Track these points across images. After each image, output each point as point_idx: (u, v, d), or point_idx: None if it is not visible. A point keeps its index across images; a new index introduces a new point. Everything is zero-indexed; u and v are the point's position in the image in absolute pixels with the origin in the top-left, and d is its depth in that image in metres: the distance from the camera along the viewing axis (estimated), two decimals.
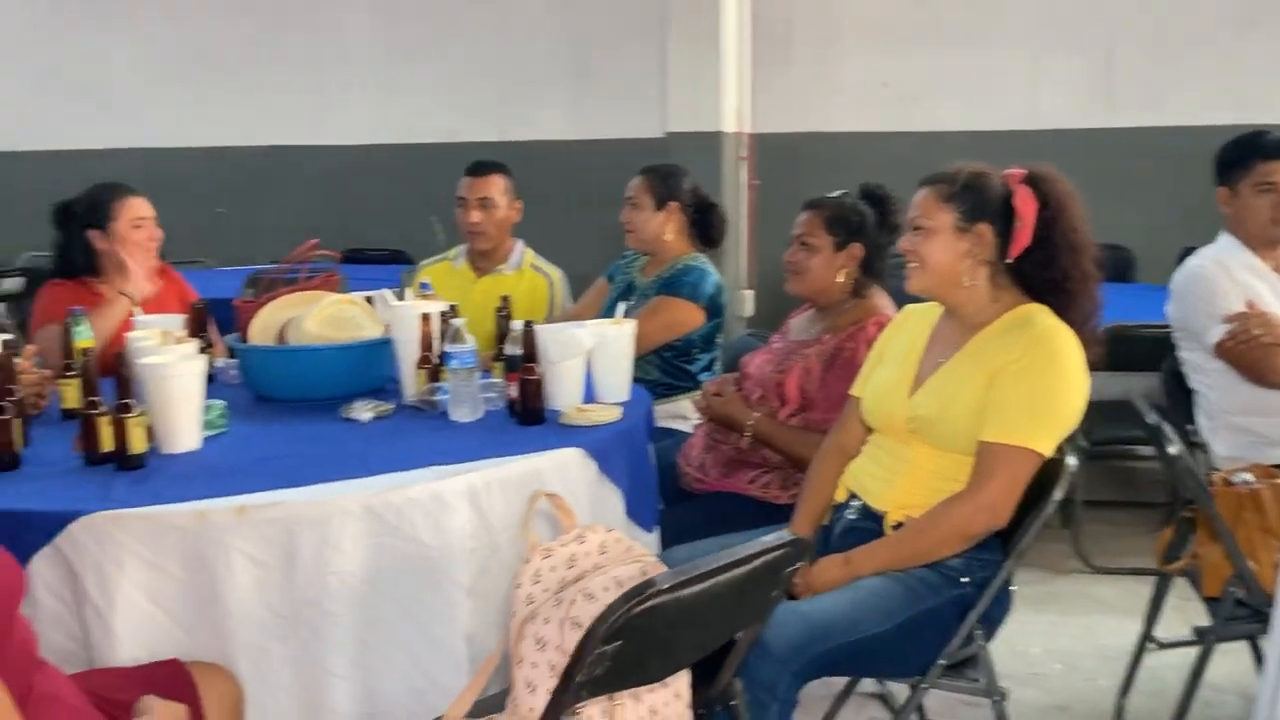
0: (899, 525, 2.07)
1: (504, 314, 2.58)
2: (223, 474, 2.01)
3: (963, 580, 2.03)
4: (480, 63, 6.58)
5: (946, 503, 2.01)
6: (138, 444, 2.03)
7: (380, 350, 2.57)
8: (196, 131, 7.12)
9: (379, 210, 6.74)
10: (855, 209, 2.58)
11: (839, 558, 2.05)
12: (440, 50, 6.67)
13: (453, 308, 2.60)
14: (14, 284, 5.48)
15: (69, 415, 2.41)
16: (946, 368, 2.10)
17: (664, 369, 3.17)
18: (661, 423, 3.00)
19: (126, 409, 2.02)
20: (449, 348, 2.33)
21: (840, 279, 2.59)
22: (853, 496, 2.18)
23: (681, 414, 3.07)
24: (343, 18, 6.85)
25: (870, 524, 2.12)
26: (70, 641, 1.82)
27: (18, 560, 1.75)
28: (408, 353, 2.51)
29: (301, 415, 2.44)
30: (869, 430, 2.23)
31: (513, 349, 2.36)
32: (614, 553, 1.74)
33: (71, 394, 2.43)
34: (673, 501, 2.58)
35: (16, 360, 2.51)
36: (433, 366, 2.46)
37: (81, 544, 1.77)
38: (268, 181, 7.02)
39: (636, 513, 2.28)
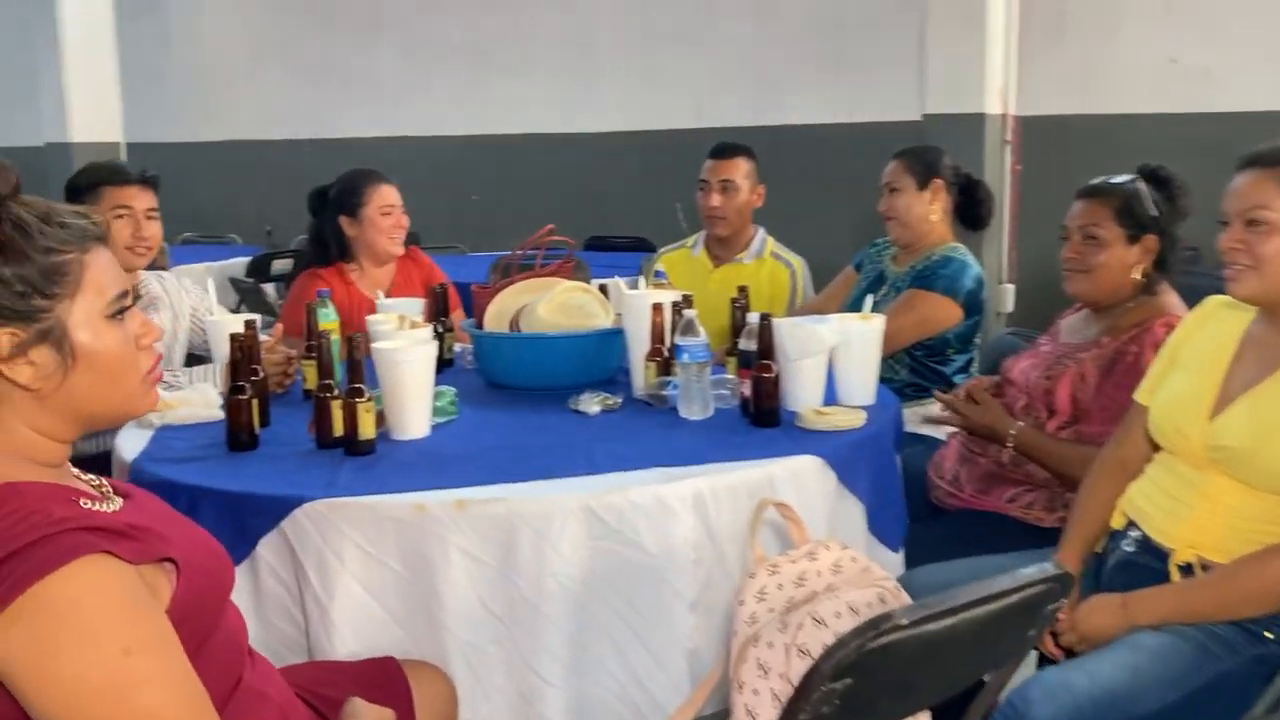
0: (1188, 567, 1.76)
1: (740, 305, 2.43)
2: (447, 464, 1.95)
3: (1267, 635, 1.71)
4: (731, 46, 6.45)
5: (1268, 553, 1.69)
6: (367, 430, 2.01)
7: (611, 340, 2.48)
8: (455, 120, 7.35)
9: (626, 196, 6.73)
10: (1146, 196, 2.25)
11: (1114, 599, 1.77)
12: (691, 34, 6.58)
13: (687, 298, 2.47)
14: (285, 265, 5.79)
15: (309, 396, 2.44)
16: (1266, 388, 1.76)
17: (915, 369, 2.93)
18: (911, 428, 2.76)
19: (357, 394, 2.00)
20: (680, 340, 2.20)
21: (1135, 276, 2.26)
22: (1131, 525, 1.89)
23: (933, 418, 2.82)
24: (596, 4, 6.88)
25: (1151, 560, 1.82)
26: (293, 628, 1.81)
27: (246, 542, 1.76)
28: (638, 344, 2.40)
29: (530, 404, 2.37)
30: (1155, 447, 1.92)
31: (748, 344, 2.20)
32: (849, 573, 1.56)
33: (312, 375, 2.46)
34: (921, 517, 2.35)
35: (265, 338, 2.58)
36: (663, 359, 2.34)
37: (305, 531, 1.75)
38: (520, 168, 7.15)
39: (879, 529, 2.08)
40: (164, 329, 2.77)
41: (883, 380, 2.56)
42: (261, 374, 2.25)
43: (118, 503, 1.26)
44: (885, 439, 2.17)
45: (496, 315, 2.56)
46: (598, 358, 2.48)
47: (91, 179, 2.65)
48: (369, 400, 2.01)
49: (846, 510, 2.01)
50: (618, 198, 6.76)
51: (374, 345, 2.13)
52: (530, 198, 7.08)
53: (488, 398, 2.47)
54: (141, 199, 2.65)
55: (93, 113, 7.80)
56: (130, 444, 2.13)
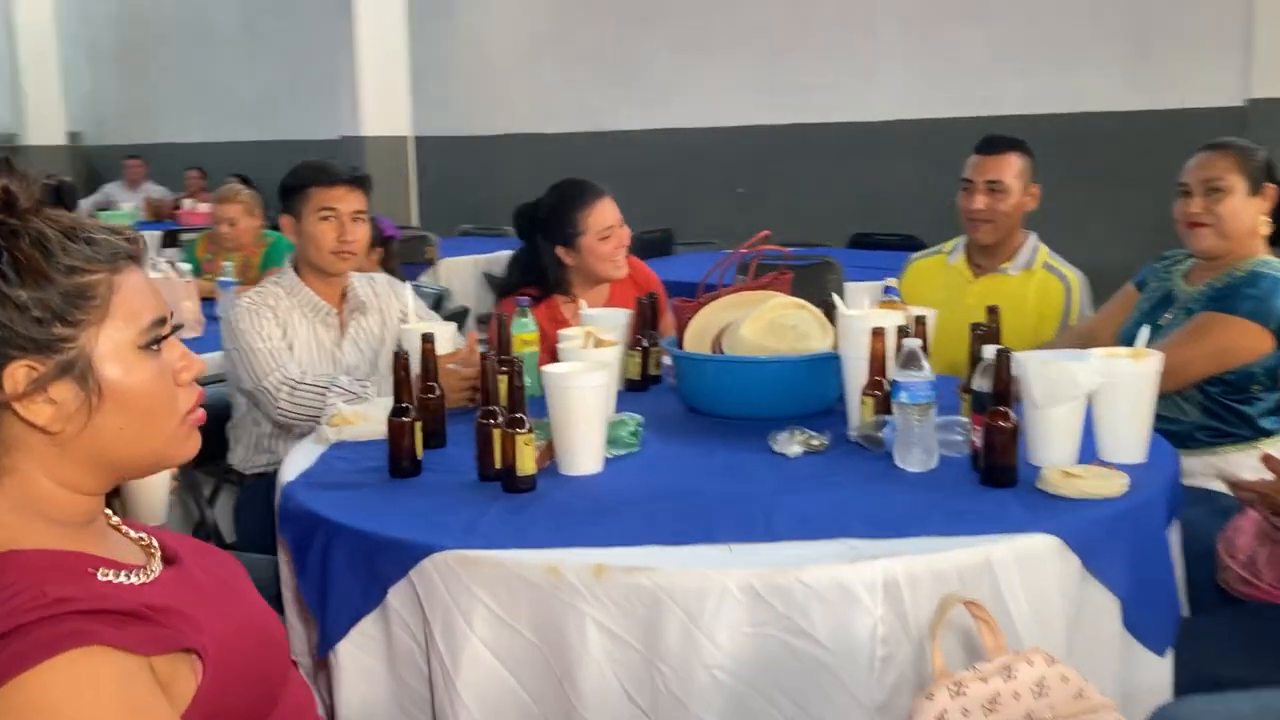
0: None
1: (982, 333, 2.03)
2: (604, 511, 1.70)
3: None
4: (1019, 26, 5.84)
5: None
6: (526, 464, 1.79)
7: (826, 368, 2.14)
8: (726, 111, 7.11)
9: (900, 191, 6.27)
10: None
11: None
12: (977, 14, 6.02)
13: (918, 320, 2.10)
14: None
15: None
16: None
17: (1208, 409, 2.39)
18: (1195, 481, 2.26)
19: (517, 424, 1.78)
20: (899, 376, 1.84)
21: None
22: None
23: (1229, 473, 2.29)
24: None
25: None
26: (426, 687, 1.62)
27: (377, 589, 1.59)
28: (855, 375, 2.05)
29: (725, 437, 2.08)
30: None
31: (982, 383, 1.81)
32: (1057, 698, 1.21)
33: (501, 393, 2.28)
34: (1204, 605, 1.88)
35: (459, 346, 2.43)
36: (883, 395, 1.98)
37: (433, 584, 1.54)
38: (790, 160, 6.83)
39: (1139, 625, 1.65)
40: (373, 333, 2.69)
41: (1166, 422, 2.10)
42: (438, 391, 2.09)
43: (155, 571, 1.08)
44: (1154, 512, 1.72)
45: (698, 333, 2.28)
46: (809, 387, 2.15)
47: (299, 179, 2.59)
48: (529, 431, 1.79)
49: (1092, 602, 1.59)
50: (891, 192, 6.31)
51: (544, 369, 1.91)
52: (797, 191, 6.76)
53: (680, 426, 2.19)
54: (349, 200, 2.56)
55: (384, 108, 8.15)
56: (296, 461, 2.02)
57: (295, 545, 1.75)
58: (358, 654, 1.64)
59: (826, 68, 6.62)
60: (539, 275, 2.80)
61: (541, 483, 1.82)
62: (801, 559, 1.47)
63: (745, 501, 1.71)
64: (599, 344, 2.17)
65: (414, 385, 1.98)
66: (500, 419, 1.82)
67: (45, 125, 11.27)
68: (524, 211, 2.85)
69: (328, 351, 2.60)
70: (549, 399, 1.88)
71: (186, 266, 4.06)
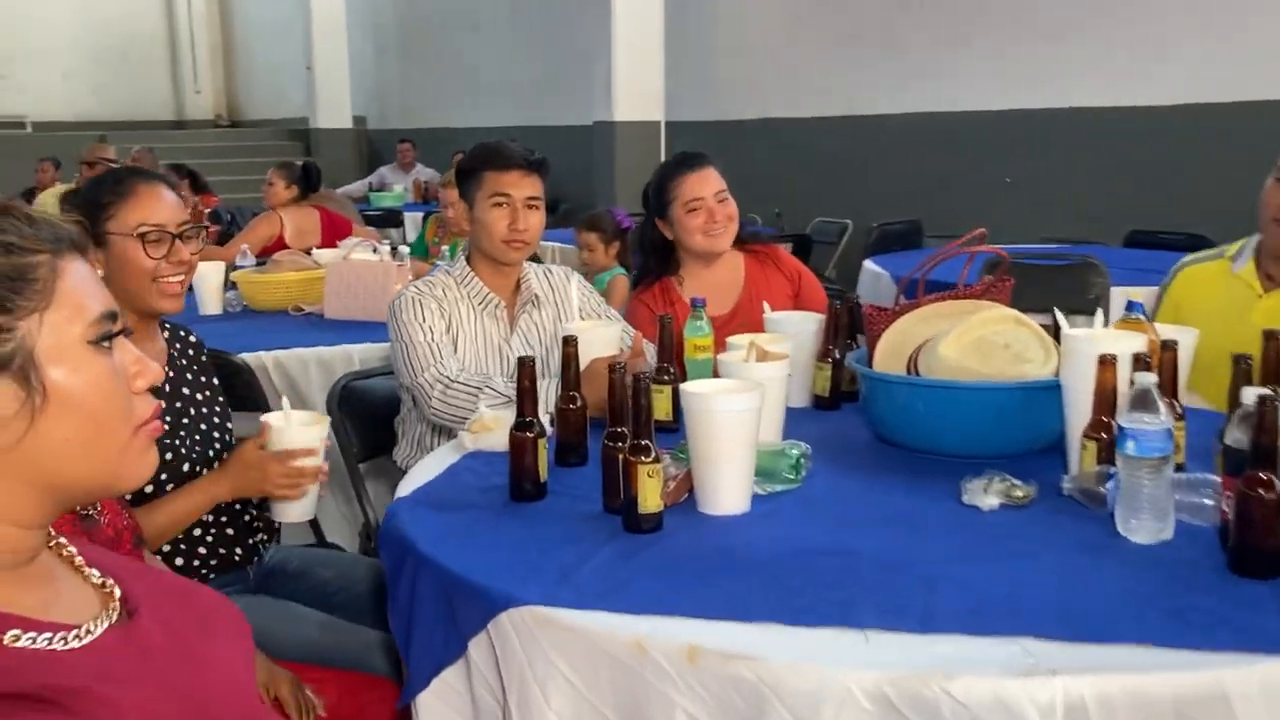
0: None
1: (1247, 367, 1.57)
2: (732, 566, 1.40)
3: None
4: None
5: None
6: (650, 500, 1.52)
7: (1044, 400, 1.74)
8: (990, 94, 6.53)
9: (1186, 183, 5.52)
10: None
11: None
12: None
13: (1166, 346, 1.66)
14: None
15: (657, 428, 2.00)
16: None
17: None
18: None
19: (641, 452, 1.51)
20: (1126, 419, 1.43)
21: None
22: None
23: None
24: None
25: None
26: None
27: (459, 637, 1.36)
28: (1077, 411, 1.65)
29: (909, 477, 1.73)
30: None
31: (1240, 435, 1.38)
32: None
33: (662, 405, 2.01)
34: None
35: (626, 348, 2.19)
36: (1109, 440, 1.57)
37: (510, 642, 1.30)
38: (1063, 148, 6.18)
39: None
40: (546, 329, 2.49)
41: None
42: (579, 402, 1.85)
43: (96, 630, 0.89)
44: None
45: (891, 349, 1.93)
46: (1019, 423, 1.76)
47: (472, 162, 2.41)
48: (655, 461, 1.51)
49: None
50: (1176, 184, 5.56)
51: (682, 388, 1.62)
52: (1070, 182, 6.10)
53: (859, 459, 1.85)
54: (523, 186, 2.36)
55: (638, 93, 8.06)
56: (424, 470, 1.84)
57: (389, 573, 1.56)
58: (441, 708, 1.42)
59: (1107, 47, 5.92)
60: (649, 252, 2.67)
61: (672, 520, 1.54)
62: (957, 661, 1.13)
63: (906, 569, 1.36)
64: (763, 357, 1.86)
65: (535, 397, 1.74)
66: (625, 442, 1.55)
67: (334, 110, 11.97)
68: (646, 191, 2.72)
69: (495, 347, 2.41)
70: (687, 423, 1.60)
71: (404, 249, 4.03)
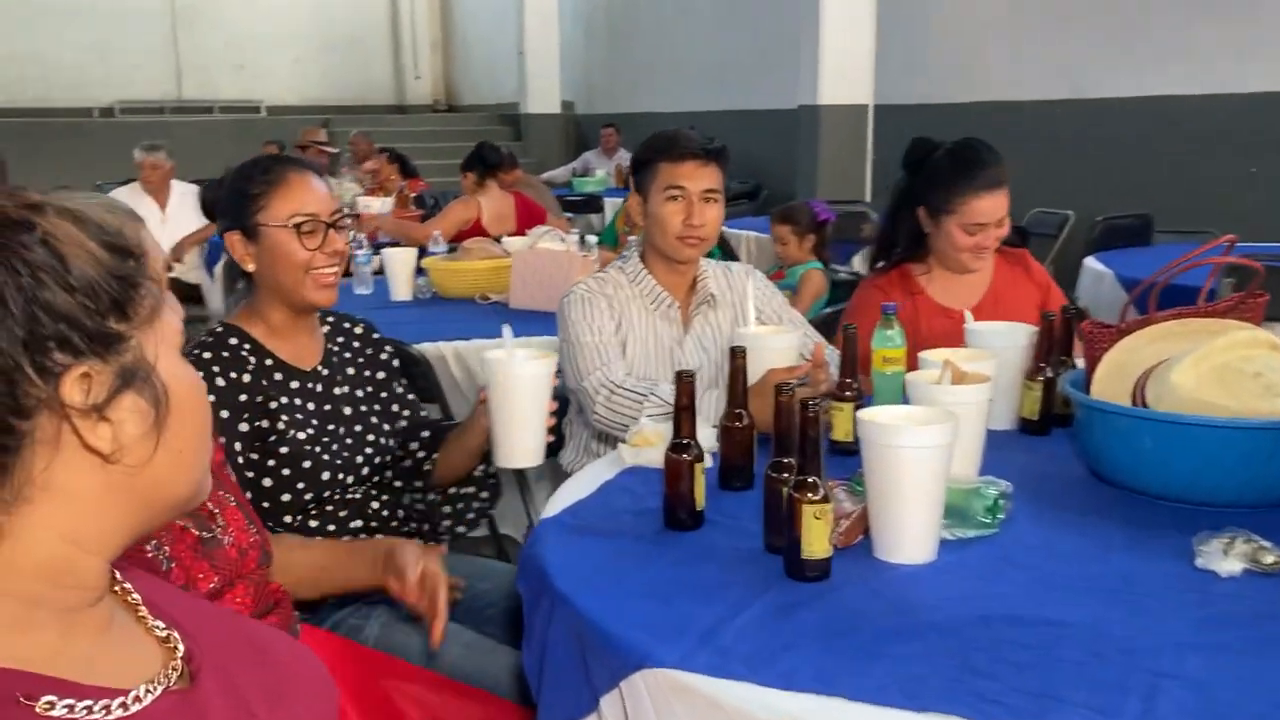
0: None
1: None
2: (900, 633, 1.19)
3: None
4: None
5: None
6: (816, 544, 1.33)
7: None
8: (1238, 75, 5.90)
9: None
10: None
11: None
12: None
13: None
14: None
15: (835, 449, 1.80)
16: None
17: None
18: None
19: (806, 489, 1.32)
20: None
21: None
22: None
23: None
24: None
25: None
26: None
27: (590, 692, 1.22)
28: None
29: (1130, 528, 1.47)
30: None
31: None
32: None
33: (843, 424, 1.81)
34: None
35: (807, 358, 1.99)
36: None
37: (643, 706, 1.14)
38: None
39: None
40: (722, 331, 2.31)
41: None
42: (746, 420, 1.67)
43: (145, 698, 0.78)
44: None
45: (1115, 372, 1.66)
46: (1273, 469, 1.47)
47: (647, 152, 2.26)
48: (823, 500, 1.32)
49: None
50: None
51: (860, 416, 1.42)
52: None
53: (1070, 500, 1.59)
54: (700, 177, 2.18)
55: (844, 75, 7.76)
56: (577, 486, 1.70)
57: (526, 604, 1.43)
58: None
59: None
60: (899, 238, 2.42)
61: (842, 567, 1.35)
62: None
63: (1123, 655, 1.12)
64: (960, 378, 1.63)
65: (693, 415, 1.57)
66: (791, 476, 1.37)
67: (543, 95, 12.12)
68: (915, 149, 2.42)
69: (666, 350, 2.26)
70: (864, 455, 1.40)
71: (592, 239, 3.93)
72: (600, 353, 2.15)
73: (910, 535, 1.38)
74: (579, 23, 12.42)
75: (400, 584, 1.50)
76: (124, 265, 0.76)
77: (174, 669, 0.82)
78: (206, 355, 1.73)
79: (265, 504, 1.73)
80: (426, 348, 3.00)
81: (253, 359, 1.77)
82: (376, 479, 1.89)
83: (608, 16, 12.18)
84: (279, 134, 9.32)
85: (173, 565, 1.26)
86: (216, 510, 1.37)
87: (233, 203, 1.75)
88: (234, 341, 1.77)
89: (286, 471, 1.74)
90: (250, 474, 1.73)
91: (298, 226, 1.74)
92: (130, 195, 5.75)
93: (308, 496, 1.73)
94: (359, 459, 1.83)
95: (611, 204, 8.12)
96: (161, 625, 0.86)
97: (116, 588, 0.86)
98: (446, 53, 15.90)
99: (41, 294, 0.72)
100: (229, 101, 14.07)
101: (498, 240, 4.16)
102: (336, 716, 0.95)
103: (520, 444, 1.69)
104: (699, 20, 10.29)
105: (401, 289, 3.81)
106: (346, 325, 1.98)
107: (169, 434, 0.77)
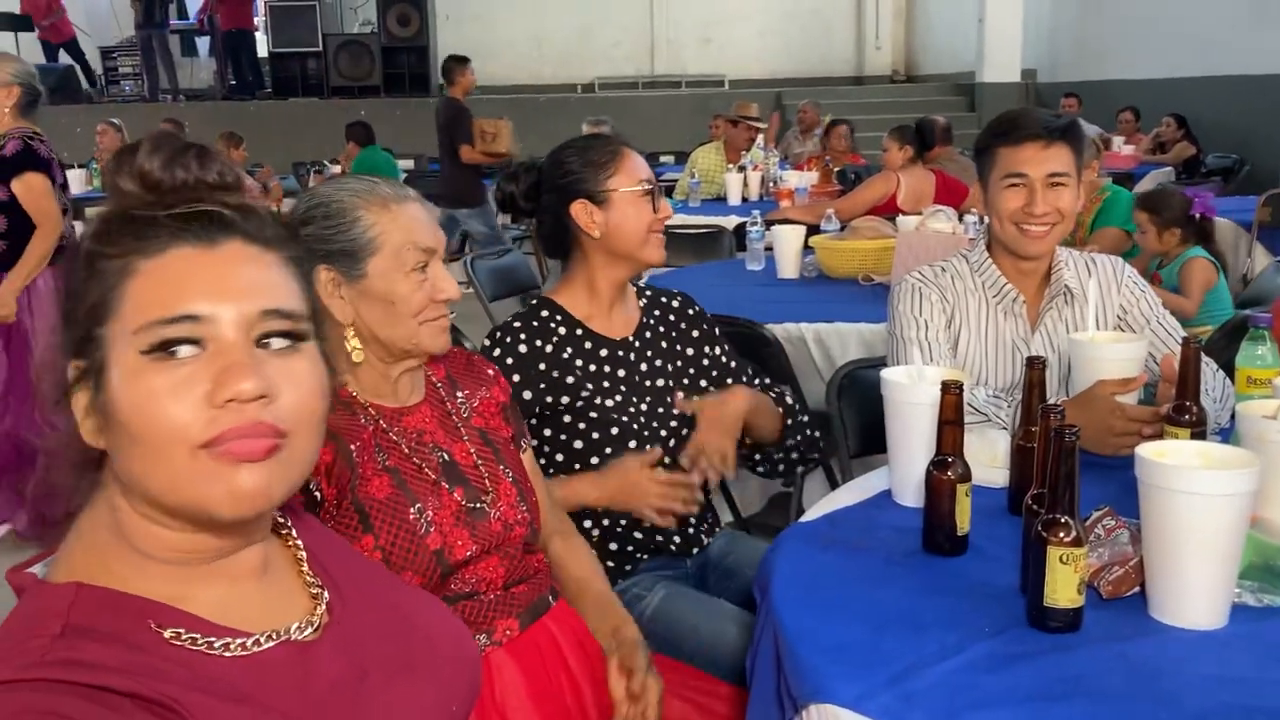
0: None
1: None
2: (1138, 715, 1.01)
3: None
4: None
5: None
6: (1060, 591, 1.16)
7: None
8: None
9: None
10: None
11: None
12: None
13: None
14: None
15: None
16: None
17: None
18: None
19: (1058, 530, 1.16)
20: None
21: None
22: None
23: None
24: None
25: None
26: None
27: (781, 711, 1.18)
28: None
29: None
30: None
31: None
32: None
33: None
34: None
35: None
36: None
37: None
38: None
39: None
40: (1076, 329, 2.07)
41: None
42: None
43: (265, 645, 0.84)
44: None
45: None
46: None
47: (985, 138, 2.03)
48: (1075, 545, 1.15)
49: None
50: None
51: (1137, 451, 1.20)
52: None
53: None
54: (1043, 161, 1.94)
55: None
56: (850, 491, 1.62)
57: (758, 606, 1.38)
58: None
59: None
60: None
61: (1100, 620, 1.17)
62: None
63: None
64: None
65: (959, 431, 1.42)
66: (1043, 512, 1.20)
67: (1001, 64, 11.51)
68: None
69: (1008, 347, 2.06)
70: (1141, 498, 1.19)
71: (971, 218, 3.69)
72: (924, 349, 2.02)
73: (1190, 594, 1.16)
74: None
75: (621, 670, 1.46)
76: (92, 271, 0.83)
77: (309, 623, 0.89)
78: (517, 324, 1.85)
79: (576, 465, 1.82)
80: (789, 328, 2.98)
81: (562, 329, 1.86)
82: (678, 450, 1.90)
83: None
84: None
85: (431, 529, 1.34)
86: (490, 484, 1.44)
87: (580, 174, 1.85)
88: (545, 314, 1.87)
89: (596, 435, 1.82)
90: (562, 437, 1.82)
91: (645, 191, 1.84)
92: None
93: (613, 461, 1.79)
94: (664, 431, 1.86)
95: None
96: (316, 580, 0.93)
97: (289, 542, 0.94)
98: (909, 21, 15.55)
99: None
100: (695, 76, 14.74)
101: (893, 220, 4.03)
102: (470, 698, 0.98)
103: (902, 479, 1.57)
104: None
105: (788, 267, 3.80)
106: (664, 299, 2.02)
107: (114, 433, 0.81)
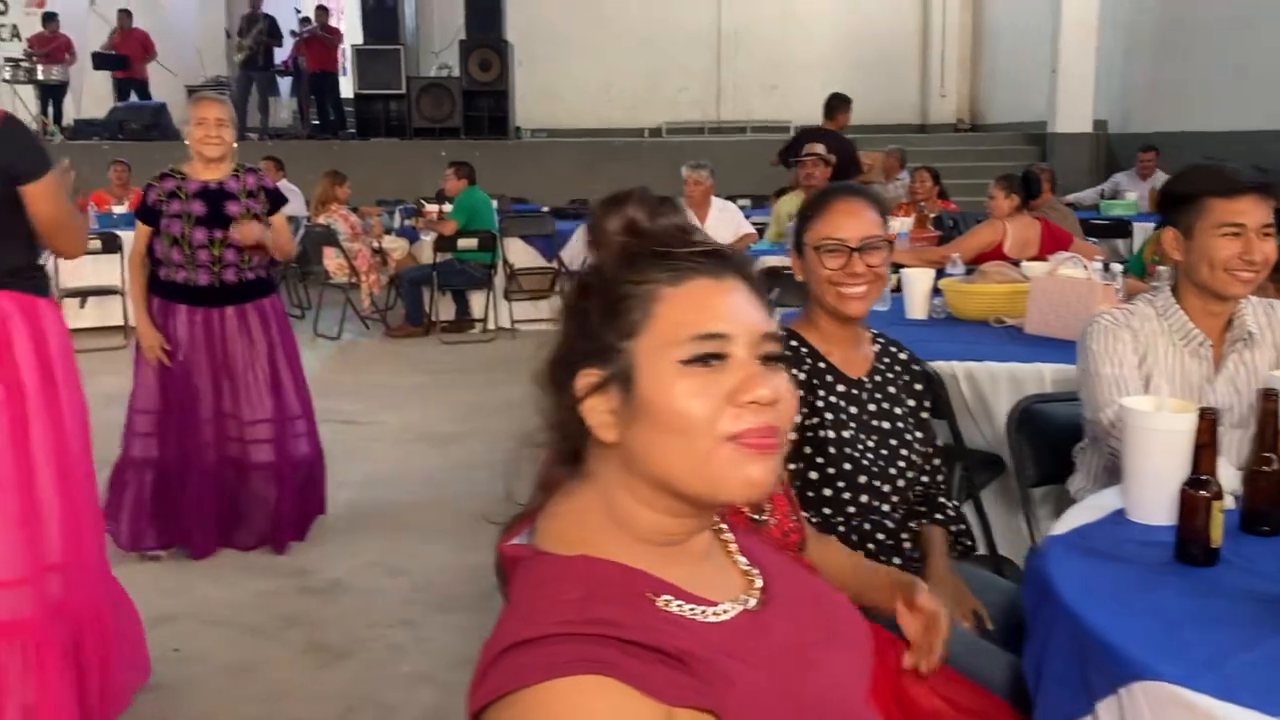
0: None
1: None
2: None
3: None
4: None
5: None
6: None
7: None
8: None
9: None
10: None
11: None
12: None
13: None
14: None
15: None
16: None
17: None
18: None
19: None
20: None
21: None
22: None
23: None
24: None
25: None
26: None
27: (1086, 696, 1.33)
28: None
29: None
30: None
31: None
32: None
33: None
34: None
35: None
36: None
37: (1142, 714, 1.22)
38: None
39: None
40: (1258, 371, 2.22)
41: None
42: (1276, 464, 1.64)
43: (730, 612, 1.02)
44: None
45: None
46: None
47: (1190, 186, 2.19)
48: None
49: None
50: None
51: None
52: None
53: None
54: (1258, 212, 2.08)
55: None
56: (1086, 510, 1.77)
57: (1028, 610, 1.54)
58: None
59: None
60: None
61: None
62: None
63: None
64: None
65: (1214, 453, 1.57)
66: None
67: (1074, 114, 11.66)
68: None
69: (1194, 388, 2.21)
70: None
71: (1117, 268, 3.83)
72: (1119, 386, 2.17)
73: None
74: (1120, 36, 11.77)
75: (908, 606, 1.61)
76: (621, 291, 1.00)
77: (751, 596, 1.06)
78: None
79: (809, 494, 1.96)
80: (940, 365, 3.14)
81: (809, 360, 2.02)
82: (901, 496, 2.04)
83: (1155, 28, 11.43)
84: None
85: None
86: (768, 496, 1.61)
87: (799, 223, 2.03)
88: (794, 344, 2.04)
89: (831, 470, 1.95)
90: (799, 465, 1.97)
91: (819, 248, 1.97)
92: None
93: (845, 496, 1.94)
94: (892, 470, 2.00)
95: (1141, 229, 7.67)
96: (746, 562, 1.10)
97: (721, 536, 1.12)
98: (974, 70, 15.75)
99: None
100: (761, 121, 15.01)
101: (1016, 265, 4.18)
102: (870, 665, 1.14)
103: (1153, 500, 1.68)
104: (1269, 30, 9.35)
105: (917, 308, 3.96)
106: (893, 349, 2.16)
107: (639, 425, 0.98)
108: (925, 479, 2.09)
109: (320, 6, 13.10)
